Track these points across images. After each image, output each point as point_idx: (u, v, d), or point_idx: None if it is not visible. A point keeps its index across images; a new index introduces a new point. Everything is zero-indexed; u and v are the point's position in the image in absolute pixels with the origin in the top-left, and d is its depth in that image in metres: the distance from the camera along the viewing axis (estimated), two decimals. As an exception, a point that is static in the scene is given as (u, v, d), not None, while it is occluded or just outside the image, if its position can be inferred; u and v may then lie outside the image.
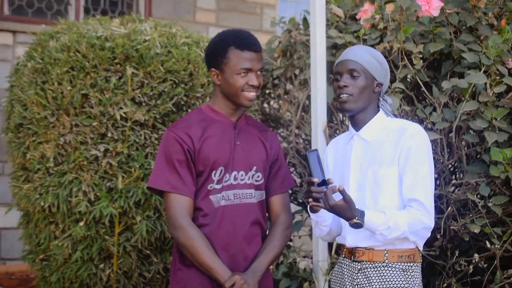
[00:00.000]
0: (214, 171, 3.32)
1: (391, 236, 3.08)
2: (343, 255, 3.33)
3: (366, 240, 3.18)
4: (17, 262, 5.88)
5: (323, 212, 3.24)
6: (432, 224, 3.14)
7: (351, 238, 3.24)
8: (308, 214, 3.42)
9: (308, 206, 3.17)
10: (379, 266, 3.17)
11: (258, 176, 3.44)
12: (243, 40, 3.34)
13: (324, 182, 3.06)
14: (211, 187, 3.32)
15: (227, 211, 3.34)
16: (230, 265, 3.30)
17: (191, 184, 3.30)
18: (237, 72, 3.31)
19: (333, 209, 3.00)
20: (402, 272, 3.16)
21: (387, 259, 3.17)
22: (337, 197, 3.02)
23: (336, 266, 3.39)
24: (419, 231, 3.13)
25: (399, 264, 3.16)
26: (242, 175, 3.39)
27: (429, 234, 3.19)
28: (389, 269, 3.16)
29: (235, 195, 3.37)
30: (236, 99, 3.35)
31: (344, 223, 3.27)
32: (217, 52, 3.35)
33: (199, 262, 3.25)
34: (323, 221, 3.30)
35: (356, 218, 3.00)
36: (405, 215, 3.08)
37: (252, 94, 3.35)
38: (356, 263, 3.23)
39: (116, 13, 8.09)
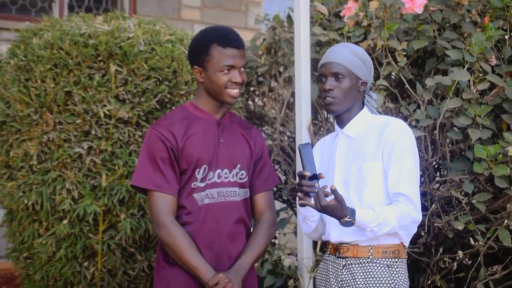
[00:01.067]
0: (198, 169, 3.31)
1: (381, 232, 3.09)
2: (328, 252, 3.34)
3: (351, 234, 3.19)
4: (0, 260, 5.85)
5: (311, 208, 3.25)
6: (419, 218, 3.15)
7: (335, 233, 3.24)
8: (293, 210, 3.41)
9: (298, 200, 3.17)
10: (364, 262, 3.18)
11: (242, 174, 3.43)
12: (225, 37, 3.33)
13: (315, 176, 3.07)
14: (194, 185, 3.31)
15: (211, 209, 3.33)
16: (214, 264, 3.29)
17: (174, 182, 3.29)
18: (219, 69, 3.30)
19: (324, 209, 3.00)
20: (386, 268, 3.17)
21: (371, 255, 3.18)
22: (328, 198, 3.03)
23: (321, 263, 3.40)
24: (407, 226, 3.14)
25: (383, 260, 3.17)
26: (226, 173, 3.38)
27: (416, 229, 3.22)
28: (374, 264, 3.17)
29: (219, 193, 3.36)
30: (220, 96, 3.34)
31: (328, 219, 3.28)
32: (199, 49, 3.34)
33: (182, 261, 3.24)
34: (311, 216, 3.32)
35: (348, 217, 3.01)
36: (393, 210, 3.09)
37: (235, 91, 3.34)
38: (341, 260, 3.24)
39: (100, 10, 8.07)
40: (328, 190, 3.01)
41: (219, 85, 3.31)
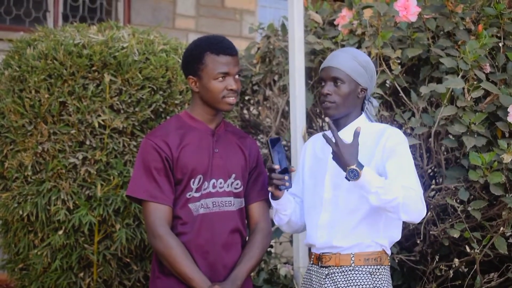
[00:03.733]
0: (193, 179, 3.31)
1: (383, 197, 2.98)
2: (311, 262, 3.34)
3: (336, 240, 3.18)
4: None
5: (283, 200, 3.27)
6: (424, 211, 3.08)
7: (322, 237, 3.23)
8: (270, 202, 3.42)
9: (270, 192, 3.23)
10: (346, 270, 3.18)
11: (237, 184, 3.42)
12: (218, 44, 3.33)
13: (286, 170, 3.09)
14: (189, 195, 3.31)
15: (206, 219, 3.32)
16: (209, 274, 3.28)
17: (169, 193, 3.29)
18: (214, 77, 3.30)
19: (338, 147, 2.99)
20: (369, 275, 3.17)
21: (353, 262, 3.18)
22: None
23: (305, 273, 3.40)
24: (410, 206, 3.03)
25: (366, 267, 3.17)
26: (221, 183, 3.37)
27: (418, 218, 3.10)
28: (356, 272, 3.17)
29: (214, 203, 3.35)
30: (216, 104, 3.34)
31: (310, 221, 3.29)
32: (193, 59, 3.34)
33: (177, 272, 3.23)
34: (283, 209, 3.32)
35: (355, 165, 2.97)
36: (401, 186, 3.01)
37: (232, 98, 3.34)
38: (324, 269, 3.24)
39: (95, 20, 8.07)
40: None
41: (215, 93, 3.30)
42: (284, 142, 5.00)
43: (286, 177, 3.09)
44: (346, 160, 2.99)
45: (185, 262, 3.22)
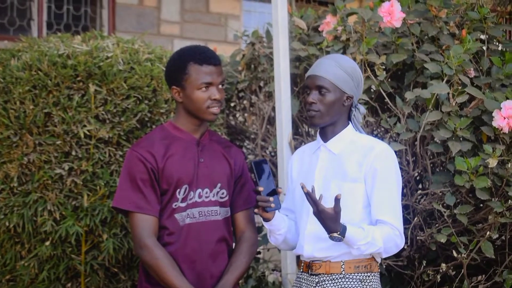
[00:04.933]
0: (179, 189, 3.31)
1: (368, 251, 3.11)
2: (301, 269, 3.34)
3: (324, 250, 3.20)
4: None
5: (275, 221, 3.25)
6: (402, 244, 3.18)
7: (309, 247, 3.24)
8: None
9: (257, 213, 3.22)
10: (336, 278, 3.18)
11: (222, 193, 3.43)
12: (201, 54, 3.34)
13: (274, 192, 3.09)
14: (175, 205, 3.31)
15: (192, 229, 3.32)
16: (196, 283, 3.28)
17: (155, 203, 3.28)
18: (198, 87, 3.30)
19: (320, 214, 3.00)
20: (359, 283, 3.18)
21: (344, 270, 3.18)
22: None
23: (294, 281, 3.40)
24: (390, 249, 3.17)
25: (356, 274, 3.18)
26: (206, 193, 3.38)
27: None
28: (347, 280, 3.17)
29: (200, 212, 3.35)
30: (200, 114, 3.34)
31: (302, 232, 3.28)
32: (176, 69, 3.34)
33: (164, 282, 3.23)
34: (277, 229, 3.31)
35: (338, 233, 3.01)
36: (380, 232, 3.10)
37: (215, 108, 3.34)
38: (314, 277, 3.24)
39: (79, 27, 8.06)
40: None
41: (198, 103, 3.31)
42: (270, 149, 5.01)
43: (271, 199, 3.08)
44: (329, 227, 3.02)
45: (171, 272, 3.22)
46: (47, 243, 4.19)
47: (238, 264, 3.39)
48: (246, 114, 5.16)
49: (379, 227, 3.12)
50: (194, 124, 3.39)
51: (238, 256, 3.41)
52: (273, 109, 4.79)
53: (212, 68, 3.32)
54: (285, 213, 3.41)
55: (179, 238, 3.30)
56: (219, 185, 3.41)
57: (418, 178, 4.41)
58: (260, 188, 3.09)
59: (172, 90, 3.37)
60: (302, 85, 4.61)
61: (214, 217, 3.39)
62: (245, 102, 5.14)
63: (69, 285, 4.28)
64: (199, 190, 3.35)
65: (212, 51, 3.39)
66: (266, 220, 3.23)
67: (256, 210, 3.17)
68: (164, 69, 4.33)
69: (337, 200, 2.98)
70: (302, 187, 3.03)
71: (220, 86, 3.36)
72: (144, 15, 8.47)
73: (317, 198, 3.03)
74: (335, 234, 3.01)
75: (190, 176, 3.33)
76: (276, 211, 3.21)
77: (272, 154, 5.04)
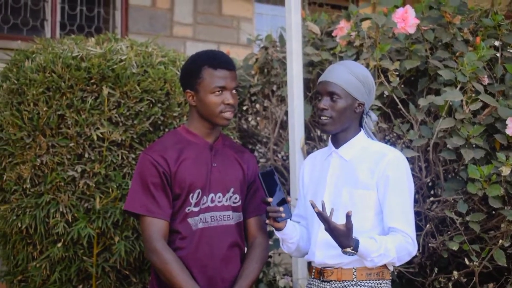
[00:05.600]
0: (192, 194, 3.31)
1: (382, 263, 3.11)
2: (312, 276, 3.33)
3: (335, 257, 3.19)
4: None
5: (288, 230, 3.25)
6: (415, 252, 3.17)
7: (320, 254, 3.24)
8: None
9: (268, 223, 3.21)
10: (348, 285, 3.18)
11: (235, 198, 3.43)
12: (215, 59, 3.35)
13: (284, 201, 3.08)
14: (188, 209, 3.32)
15: (204, 233, 3.33)
16: None
17: (166, 207, 3.29)
18: (211, 91, 3.31)
19: (332, 232, 2.99)
20: None
21: (355, 277, 3.18)
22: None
23: (306, 286, 3.39)
24: (403, 257, 3.16)
25: (368, 282, 3.17)
26: (219, 197, 3.38)
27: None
28: (358, 287, 3.17)
29: (212, 217, 3.36)
30: (213, 118, 3.35)
31: (314, 239, 3.28)
32: (190, 73, 3.35)
33: (175, 286, 3.23)
34: (289, 238, 3.31)
35: (351, 248, 3.00)
36: (393, 242, 3.09)
37: (228, 113, 3.35)
38: (325, 283, 3.23)
39: (92, 28, 8.07)
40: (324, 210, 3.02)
41: (212, 107, 3.32)
42: (282, 153, 5.01)
43: (282, 209, 3.08)
44: (342, 243, 3.01)
45: (181, 276, 3.23)
46: (59, 244, 4.19)
47: (251, 269, 3.39)
48: (258, 118, 5.15)
49: (391, 237, 3.12)
50: (207, 128, 3.40)
51: (251, 261, 3.42)
52: (286, 113, 4.79)
53: (226, 72, 3.33)
54: (296, 220, 3.40)
55: (192, 243, 3.31)
56: (232, 189, 3.42)
57: (430, 184, 4.40)
58: (269, 199, 3.08)
59: (186, 94, 3.38)
60: (315, 90, 4.61)
61: (227, 222, 3.39)
62: (257, 106, 5.14)
63: (80, 287, 4.28)
64: (212, 194, 3.36)
65: (226, 56, 3.40)
66: (278, 229, 3.23)
67: (267, 221, 3.16)
68: (178, 72, 4.37)
69: (348, 216, 2.97)
70: (313, 206, 3.02)
71: (233, 91, 3.36)
72: (157, 17, 8.48)
73: (328, 212, 3.02)
74: (348, 250, 3.00)
75: (203, 181, 3.33)
76: (288, 219, 3.21)
77: (284, 158, 5.04)
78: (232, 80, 3.36)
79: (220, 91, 3.32)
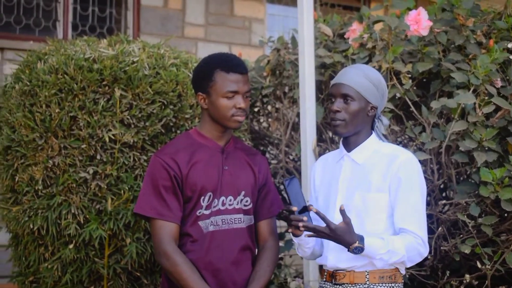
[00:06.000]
0: (203, 197, 3.31)
1: (391, 261, 3.09)
2: (324, 279, 3.32)
3: (347, 260, 3.18)
4: (7, 280, 5.83)
5: (304, 235, 3.23)
6: (426, 253, 3.16)
7: (332, 257, 3.23)
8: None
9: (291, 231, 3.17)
10: None
11: (246, 201, 3.43)
12: (228, 62, 3.34)
13: (306, 209, 3.07)
14: (200, 212, 3.32)
15: (215, 236, 3.33)
16: None
17: (177, 210, 3.29)
18: (223, 95, 3.31)
19: (334, 233, 2.98)
20: None
21: (368, 280, 3.17)
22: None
23: None
24: (414, 257, 3.15)
25: (380, 285, 3.16)
26: (230, 200, 3.38)
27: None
28: None
29: (223, 220, 3.36)
30: (225, 121, 3.34)
31: (326, 243, 3.27)
32: (203, 75, 3.35)
33: (184, 286, 3.23)
34: (306, 243, 3.30)
35: (357, 242, 2.99)
36: (402, 240, 3.08)
37: (240, 117, 3.34)
38: (338, 286, 3.22)
39: (104, 29, 8.08)
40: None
41: (223, 110, 3.31)
42: (294, 154, 5.00)
43: (305, 218, 3.05)
44: (347, 240, 3.01)
45: (192, 278, 3.23)
46: (71, 246, 4.20)
47: (262, 272, 3.39)
48: (270, 120, 5.15)
49: (400, 236, 3.11)
50: (219, 131, 3.40)
51: (262, 264, 3.42)
52: (298, 115, 4.79)
53: (238, 76, 3.33)
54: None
55: (202, 246, 3.31)
56: (243, 192, 3.42)
57: (442, 187, 4.39)
58: (294, 208, 3.05)
59: (197, 96, 3.38)
60: (327, 92, 4.60)
61: (238, 225, 3.39)
62: (269, 107, 5.14)
63: (91, 288, 4.30)
64: (223, 198, 3.36)
65: (239, 59, 3.40)
66: (297, 236, 3.22)
67: (290, 230, 3.12)
68: (190, 74, 4.36)
69: (342, 211, 2.97)
70: (316, 212, 3.03)
71: (246, 95, 3.36)
72: (169, 18, 8.49)
73: (339, 209, 3.02)
74: (355, 245, 3.00)
75: (214, 184, 3.33)
76: None
77: (296, 160, 5.03)
78: (244, 84, 3.36)
79: (232, 95, 3.31)
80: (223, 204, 3.36)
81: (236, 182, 3.40)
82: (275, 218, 3.57)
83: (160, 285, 3.54)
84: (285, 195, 3.25)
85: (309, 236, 3.06)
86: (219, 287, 3.31)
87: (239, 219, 3.40)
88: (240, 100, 3.33)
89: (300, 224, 3.02)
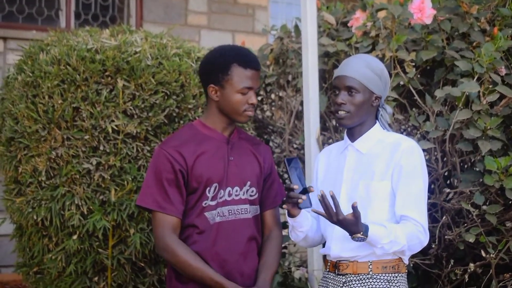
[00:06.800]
0: (208, 188, 3.30)
1: (391, 250, 3.08)
2: (327, 269, 3.32)
3: (351, 250, 3.17)
4: (12, 269, 5.85)
5: (300, 218, 3.24)
6: (426, 241, 3.14)
7: (336, 247, 3.22)
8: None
9: (286, 211, 3.19)
10: (364, 278, 3.16)
11: (252, 191, 3.42)
12: (246, 57, 3.33)
13: (305, 190, 3.07)
14: (205, 204, 3.30)
15: (222, 227, 3.32)
16: None
17: (179, 204, 3.28)
18: (239, 90, 3.29)
19: (340, 223, 2.98)
20: (387, 283, 3.15)
21: (371, 270, 3.16)
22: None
23: (321, 280, 3.38)
24: (414, 246, 3.13)
25: (383, 275, 3.15)
26: (236, 191, 3.37)
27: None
28: (374, 280, 3.15)
29: (230, 211, 3.35)
30: (235, 116, 3.33)
31: (330, 233, 3.26)
32: (218, 68, 3.31)
33: (192, 276, 3.24)
34: (300, 226, 3.29)
35: (361, 233, 2.99)
36: (403, 229, 3.08)
37: (251, 112, 3.34)
38: (341, 277, 3.22)
39: (107, 17, 8.05)
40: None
41: (236, 105, 3.30)
42: (297, 143, 4.99)
43: (304, 197, 3.06)
44: (352, 230, 3.00)
45: (196, 264, 3.24)
46: (75, 237, 4.20)
47: (271, 262, 3.41)
48: (273, 109, 5.14)
49: (402, 225, 3.10)
50: (225, 123, 3.39)
51: (269, 254, 3.43)
52: (301, 103, 4.77)
53: (254, 72, 3.32)
54: (308, 211, 3.39)
55: (209, 237, 3.30)
56: (248, 183, 3.41)
57: (446, 174, 4.38)
58: (295, 186, 3.06)
59: (208, 88, 3.35)
60: (330, 81, 4.59)
61: (244, 215, 3.39)
62: (272, 96, 5.12)
63: (96, 279, 4.29)
64: (229, 188, 3.35)
65: (254, 55, 3.39)
66: (292, 216, 3.22)
67: (285, 206, 3.14)
68: (193, 64, 4.35)
69: (354, 208, 2.96)
70: (322, 198, 3.02)
71: (256, 90, 3.37)
72: (172, 6, 8.46)
73: (351, 206, 3.02)
74: (358, 235, 3.00)
75: (220, 175, 3.33)
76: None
77: (299, 148, 5.02)
78: (258, 80, 3.36)
79: (247, 91, 3.31)
80: (230, 195, 3.36)
81: (242, 172, 3.40)
82: (278, 208, 3.56)
83: (166, 278, 3.53)
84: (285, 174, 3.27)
85: (315, 211, 3.06)
86: (226, 278, 3.31)
87: (246, 210, 3.40)
88: (253, 96, 3.33)
89: (300, 201, 3.04)
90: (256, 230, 3.44)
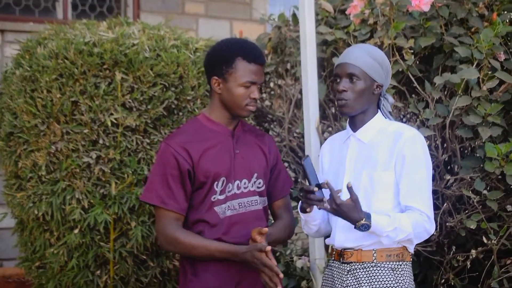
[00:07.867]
0: (216, 182, 3.30)
1: (398, 238, 3.08)
2: (332, 258, 3.33)
3: (355, 239, 3.18)
4: (14, 262, 5.86)
5: (313, 212, 3.24)
6: (433, 229, 3.15)
7: (340, 237, 3.23)
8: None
9: (299, 206, 3.21)
10: (368, 267, 3.17)
11: (259, 183, 3.43)
12: (251, 51, 3.31)
13: (319, 186, 3.06)
14: (214, 198, 3.30)
15: (234, 220, 3.33)
16: (238, 276, 3.33)
17: (183, 201, 3.28)
18: (242, 84, 3.28)
19: (339, 208, 2.99)
20: (391, 271, 3.16)
21: (375, 259, 3.16)
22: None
23: (326, 269, 3.39)
24: (420, 234, 3.14)
25: (388, 263, 3.16)
26: (245, 183, 3.38)
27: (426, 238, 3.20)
28: (378, 269, 3.16)
29: (240, 204, 3.35)
30: (237, 110, 3.32)
31: (334, 223, 3.27)
32: (222, 60, 3.30)
33: (200, 256, 3.26)
34: (313, 220, 3.31)
35: (364, 219, 2.99)
36: (408, 217, 3.08)
37: (253, 107, 3.33)
38: (345, 265, 3.23)
39: (104, 8, 8.01)
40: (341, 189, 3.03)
41: (238, 99, 3.30)
42: (297, 132, 4.98)
43: (325, 199, 3.03)
44: (354, 217, 3.00)
45: (200, 242, 3.25)
46: (76, 231, 4.21)
47: (280, 228, 3.47)
48: (272, 98, 5.13)
49: (407, 214, 3.10)
50: (228, 117, 3.38)
51: (278, 224, 3.50)
52: (300, 92, 4.76)
53: (259, 67, 3.32)
54: None
55: (221, 231, 3.30)
56: (255, 174, 3.41)
57: (447, 160, 4.37)
58: (315, 189, 3.04)
59: (211, 80, 3.34)
60: (329, 69, 4.58)
61: (255, 207, 3.40)
62: (271, 85, 5.11)
63: (98, 272, 4.30)
64: (237, 181, 3.35)
65: (260, 50, 3.38)
66: (305, 212, 3.22)
67: (304, 205, 3.17)
68: (191, 55, 4.33)
69: (349, 188, 2.97)
70: (327, 183, 3.01)
71: (260, 85, 3.36)
72: (169, -6, 8.43)
73: (346, 186, 3.02)
74: (361, 222, 2.99)
75: (227, 169, 3.32)
76: None
77: (299, 137, 5.01)
78: (262, 75, 3.36)
79: (250, 85, 3.30)
80: (238, 188, 3.36)
81: (249, 165, 3.40)
82: (288, 197, 3.58)
83: (179, 273, 3.50)
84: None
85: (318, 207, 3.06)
86: (239, 274, 3.32)
87: (255, 201, 3.41)
88: (255, 90, 3.32)
89: (325, 204, 3.03)
90: (266, 222, 3.47)
